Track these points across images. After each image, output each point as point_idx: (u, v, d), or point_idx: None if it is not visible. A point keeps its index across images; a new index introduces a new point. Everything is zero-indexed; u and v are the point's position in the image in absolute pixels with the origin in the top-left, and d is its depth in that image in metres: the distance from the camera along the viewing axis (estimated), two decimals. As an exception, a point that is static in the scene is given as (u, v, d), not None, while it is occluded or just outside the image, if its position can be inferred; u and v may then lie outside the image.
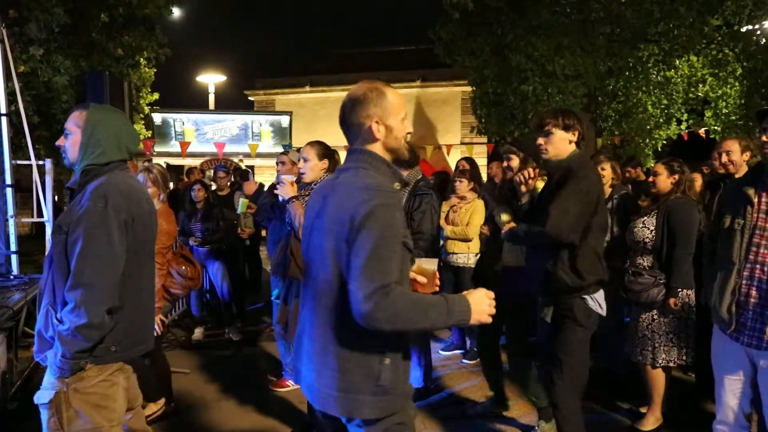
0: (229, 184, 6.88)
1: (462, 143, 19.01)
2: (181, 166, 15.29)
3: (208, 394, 4.44)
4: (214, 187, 6.80)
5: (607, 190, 4.27)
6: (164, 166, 5.77)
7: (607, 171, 4.29)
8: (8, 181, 5.16)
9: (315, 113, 23.93)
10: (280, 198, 3.42)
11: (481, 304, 1.79)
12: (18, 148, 5.41)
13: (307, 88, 25.16)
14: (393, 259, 1.71)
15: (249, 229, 6.59)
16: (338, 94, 24.38)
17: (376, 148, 1.89)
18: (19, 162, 5.39)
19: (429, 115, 23.15)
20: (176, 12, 10.59)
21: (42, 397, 2.15)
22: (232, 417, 4.04)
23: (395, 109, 1.89)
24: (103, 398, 2.20)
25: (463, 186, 4.98)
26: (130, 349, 2.29)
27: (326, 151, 3.51)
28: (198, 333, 5.87)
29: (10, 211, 5.19)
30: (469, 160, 5.44)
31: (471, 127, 14.59)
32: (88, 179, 2.22)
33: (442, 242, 4.99)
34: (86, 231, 2.07)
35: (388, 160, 1.91)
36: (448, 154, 13.86)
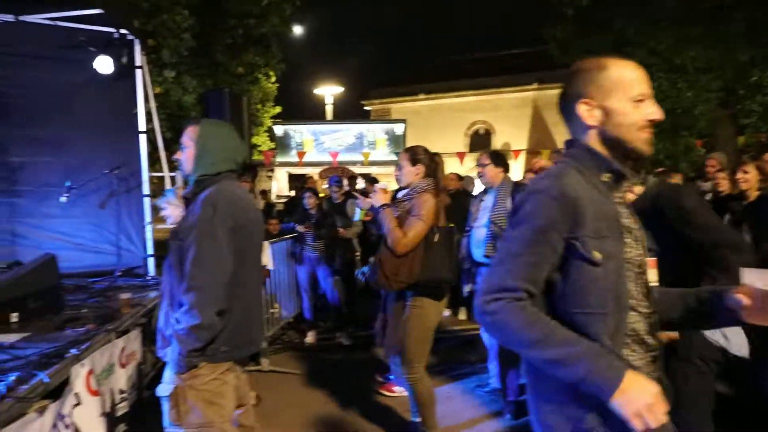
0: (343, 193, 7.06)
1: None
2: (303, 175, 16.07)
3: (315, 395, 4.59)
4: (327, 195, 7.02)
5: (754, 194, 3.83)
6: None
7: (751, 174, 3.83)
8: (146, 191, 5.72)
9: (428, 121, 24.06)
10: (374, 205, 3.44)
11: (643, 395, 1.29)
12: (153, 162, 5.97)
13: (421, 96, 25.34)
14: (527, 259, 1.42)
15: (351, 230, 6.62)
16: (451, 101, 24.34)
17: (590, 138, 1.51)
18: (154, 174, 5.94)
19: (547, 120, 22.39)
20: (295, 29, 11.16)
21: (163, 390, 2.33)
22: (337, 419, 4.13)
23: (621, 86, 1.47)
24: (215, 395, 2.33)
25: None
26: (239, 349, 2.42)
27: (419, 157, 3.48)
28: (310, 336, 6.10)
29: (148, 218, 5.73)
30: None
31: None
32: (200, 189, 2.38)
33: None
34: (197, 238, 2.21)
35: (602, 153, 1.49)
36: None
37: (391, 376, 4.48)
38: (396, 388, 4.46)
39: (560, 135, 19.85)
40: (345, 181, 7.53)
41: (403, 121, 19.85)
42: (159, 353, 2.46)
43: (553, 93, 20.82)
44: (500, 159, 4.18)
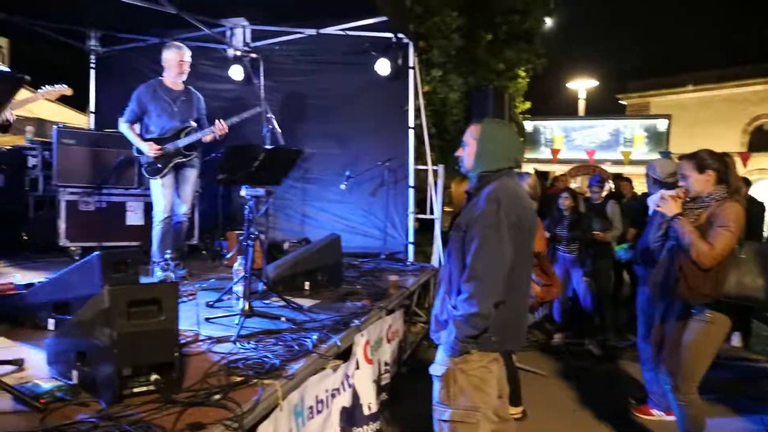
0: (603, 194, 6.67)
1: None
2: (547, 172, 15.67)
3: (562, 401, 4.46)
4: (586, 195, 6.72)
5: None
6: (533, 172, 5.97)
7: None
8: (411, 183, 6.21)
9: (696, 115, 21.22)
10: (662, 214, 3.16)
11: None
12: (418, 155, 6.44)
13: (689, 88, 22.46)
14: None
15: (610, 233, 6.17)
16: (728, 92, 21.02)
17: None
18: (419, 167, 6.41)
19: None
20: (551, 22, 10.89)
21: (436, 370, 2.51)
22: (586, 430, 3.96)
23: None
24: (482, 382, 2.44)
25: None
26: (506, 342, 2.48)
27: (706, 162, 3.09)
28: (557, 338, 5.94)
29: (411, 207, 6.23)
30: None
31: None
32: (482, 184, 2.49)
33: None
34: (481, 231, 2.32)
35: None
36: None
37: (649, 399, 4.13)
38: (655, 412, 4.09)
39: None
40: (608, 182, 7.08)
41: (667, 116, 17.89)
42: (432, 335, 2.66)
43: None
44: None
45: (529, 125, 18.12)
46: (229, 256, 4.01)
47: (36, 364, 2.41)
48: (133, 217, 5.70)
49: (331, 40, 6.31)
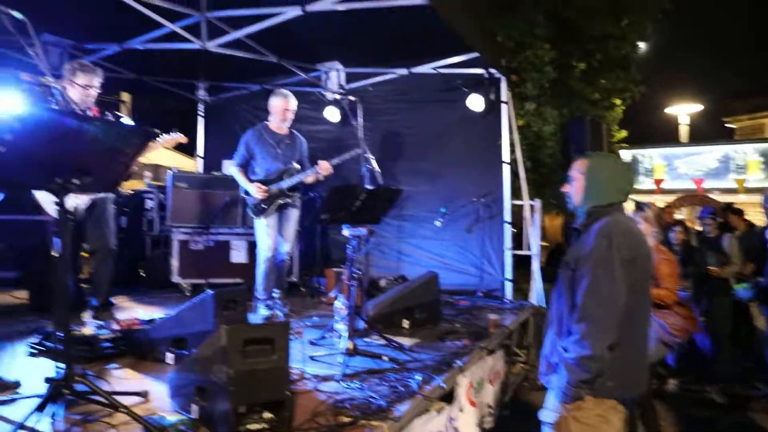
0: (717, 226, 6.20)
1: None
2: (645, 204, 14.85)
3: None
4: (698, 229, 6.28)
5: None
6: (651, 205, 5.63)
7: None
8: (507, 218, 6.09)
9: (821, 137, 19.40)
10: None
11: None
12: (514, 190, 6.32)
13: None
14: None
15: (728, 268, 5.68)
16: None
17: None
18: (515, 202, 6.29)
19: None
20: (646, 46, 10.45)
21: (547, 416, 2.39)
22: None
23: None
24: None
25: None
26: (624, 388, 2.32)
27: None
28: (672, 384, 5.48)
29: (507, 243, 6.09)
30: None
31: None
32: (592, 220, 2.39)
33: None
34: (592, 268, 2.22)
35: None
36: None
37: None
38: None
39: None
40: (720, 215, 6.58)
41: (785, 139, 16.46)
42: (541, 378, 2.54)
43: None
44: None
45: (626, 154, 17.33)
46: (331, 294, 4.09)
47: (159, 396, 2.55)
48: (237, 255, 5.98)
49: (423, 78, 6.42)
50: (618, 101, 9.83)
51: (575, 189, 2.56)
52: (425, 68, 6.25)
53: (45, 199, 3.81)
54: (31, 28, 2.27)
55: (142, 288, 6.03)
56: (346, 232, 3.33)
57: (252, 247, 5.86)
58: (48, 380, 2.30)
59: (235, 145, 4.81)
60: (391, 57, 6.37)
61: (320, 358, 3.29)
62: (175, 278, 5.75)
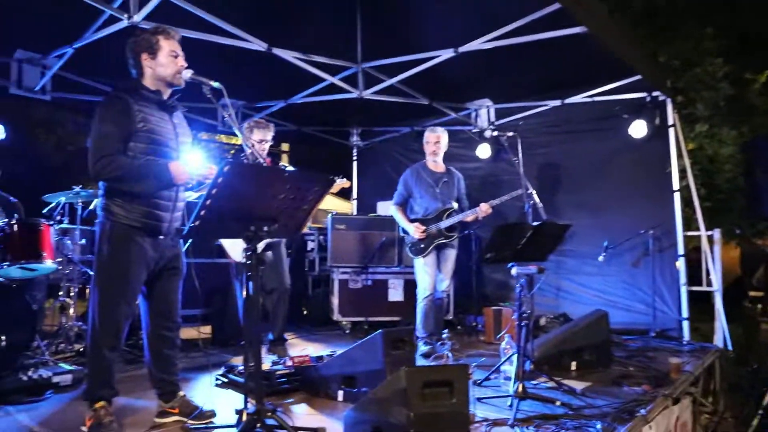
0: None
1: None
2: None
3: None
4: None
5: None
6: None
7: None
8: (680, 251, 5.54)
9: None
10: None
11: None
12: (687, 220, 5.76)
13: None
14: None
15: None
16: None
17: None
18: (688, 233, 5.71)
19: None
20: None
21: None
22: None
23: None
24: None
25: None
26: None
27: None
28: None
29: (683, 279, 5.52)
30: None
31: None
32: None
33: None
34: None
35: None
36: None
37: None
38: None
39: None
40: None
41: None
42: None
43: None
44: None
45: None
46: (498, 336, 3.96)
47: (335, 433, 2.63)
48: (395, 293, 6.10)
49: (577, 108, 6.17)
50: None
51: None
52: (579, 98, 6.01)
53: (229, 244, 4.22)
54: (226, 95, 2.56)
55: (306, 325, 6.38)
56: (514, 270, 3.23)
57: (408, 286, 5.96)
58: (238, 412, 2.49)
59: (388, 187, 4.98)
60: (543, 89, 6.24)
61: (488, 401, 3.20)
62: (336, 316, 6.00)
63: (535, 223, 3.14)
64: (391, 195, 5.04)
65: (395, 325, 5.68)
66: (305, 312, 6.72)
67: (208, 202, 2.03)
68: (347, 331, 5.93)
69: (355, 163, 8.36)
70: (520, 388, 3.08)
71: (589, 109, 6.12)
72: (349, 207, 8.11)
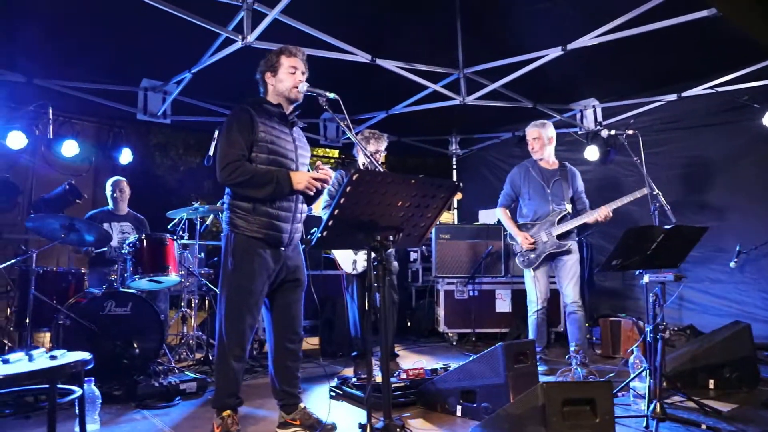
0: None
1: None
2: None
3: None
4: None
5: None
6: None
7: None
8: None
9: None
10: None
11: None
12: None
13: None
14: None
15: None
16: None
17: None
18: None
19: None
20: None
21: None
22: None
23: None
24: None
25: None
26: None
27: None
28: None
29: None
30: None
31: None
32: None
33: None
34: None
35: None
36: None
37: None
38: None
39: None
40: None
41: None
42: None
43: None
44: None
45: None
46: (631, 350, 3.65)
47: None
48: (502, 304, 5.90)
49: (695, 101, 5.69)
50: None
51: None
52: (699, 89, 5.53)
53: (342, 256, 4.24)
54: (342, 106, 2.57)
55: (411, 337, 6.32)
56: (646, 278, 2.98)
57: (516, 296, 5.74)
58: (362, 426, 2.45)
59: (489, 195, 4.78)
60: (656, 84, 5.82)
61: (621, 420, 2.95)
62: (442, 328, 5.88)
63: (667, 227, 2.87)
64: (493, 203, 4.82)
65: (504, 337, 5.48)
66: (409, 323, 6.67)
67: (336, 211, 2.01)
68: (454, 343, 5.80)
69: (454, 172, 8.24)
70: (658, 408, 2.82)
71: (709, 102, 5.63)
72: (451, 217, 7.98)
